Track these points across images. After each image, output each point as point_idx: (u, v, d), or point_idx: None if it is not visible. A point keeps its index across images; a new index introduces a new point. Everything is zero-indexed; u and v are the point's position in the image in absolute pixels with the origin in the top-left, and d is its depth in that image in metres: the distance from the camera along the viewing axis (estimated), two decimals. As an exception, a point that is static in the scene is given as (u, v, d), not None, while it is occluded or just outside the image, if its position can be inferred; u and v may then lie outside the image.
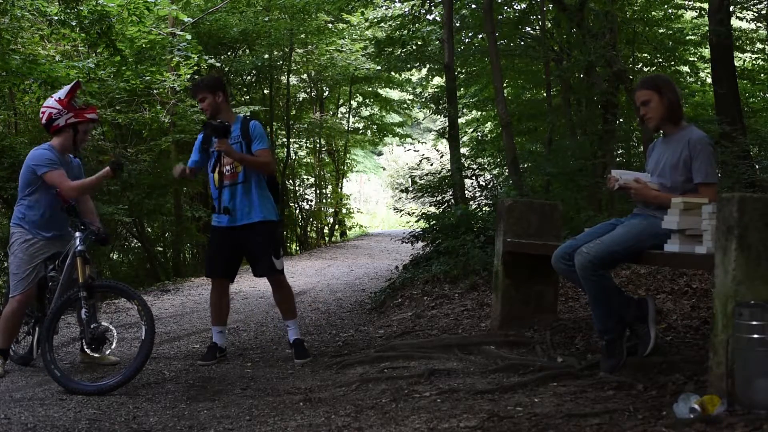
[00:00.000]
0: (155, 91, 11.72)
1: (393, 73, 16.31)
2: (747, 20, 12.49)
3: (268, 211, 4.73)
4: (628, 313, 3.75)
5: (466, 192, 9.53)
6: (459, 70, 12.94)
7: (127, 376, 4.11)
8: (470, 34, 13.89)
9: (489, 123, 16.15)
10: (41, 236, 4.54)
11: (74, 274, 4.39)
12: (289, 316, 4.88)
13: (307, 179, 20.79)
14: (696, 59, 13.36)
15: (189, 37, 11.11)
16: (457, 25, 12.83)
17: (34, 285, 4.56)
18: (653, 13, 12.65)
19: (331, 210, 21.00)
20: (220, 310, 4.91)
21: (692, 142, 3.63)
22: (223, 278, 4.89)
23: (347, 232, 21.74)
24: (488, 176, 10.44)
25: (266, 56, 14.99)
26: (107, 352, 4.67)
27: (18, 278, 4.52)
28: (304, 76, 18.89)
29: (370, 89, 20.31)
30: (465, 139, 15.48)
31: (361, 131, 22.26)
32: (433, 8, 13.15)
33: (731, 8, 9.98)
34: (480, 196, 9.45)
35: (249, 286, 9.10)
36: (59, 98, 4.58)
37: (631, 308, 3.76)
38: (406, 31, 12.77)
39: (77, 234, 4.40)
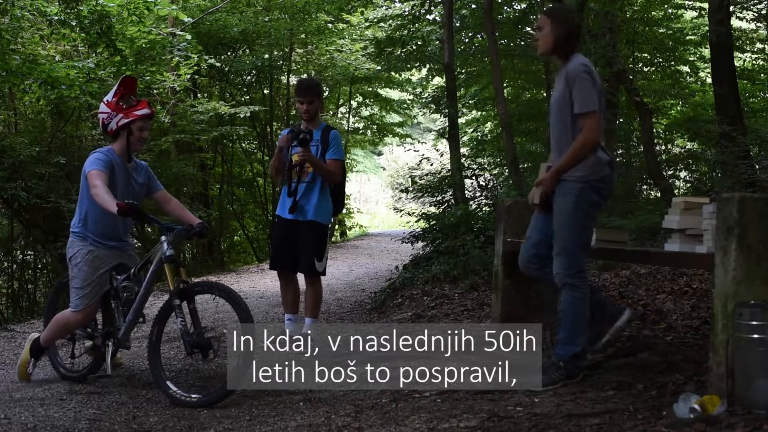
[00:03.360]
0: (155, 91, 11.72)
1: (393, 73, 16.29)
2: (747, 20, 12.46)
3: (322, 214, 4.89)
4: (599, 313, 3.76)
5: (466, 192, 9.52)
6: (459, 70, 12.92)
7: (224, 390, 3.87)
8: (470, 34, 13.88)
9: (489, 123, 16.12)
10: (103, 245, 4.26)
11: (154, 282, 4.15)
12: (311, 315, 4.99)
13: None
14: (696, 59, 13.33)
15: (189, 37, 11.10)
16: (457, 25, 12.82)
17: (97, 302, 4.27)
18: (653, 13, 12.63)
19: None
20: (286, 300, 5.07)
21: (569, 73, 3.46)
22: (283, 269, 5.02)
23: (347, 232, 21.73)
24: (488, 176, 10.44)
25: (266, 56, 14.97)
26: (210, 357, 4.09)
27: (82, 293, 4.20)
28: (304, 76, 18.87)
29: (370, 89, 20.27)
30: (465, 139, 15.44)
31: (361, 131, 22.23)
32: (433, 8, 13.15)
33: (731, 8, 9.97)
34: (480, 196, 9.45)
35: (249, 286, 9.09)
36: (107, 101, 4.33)
37: (604, 309, 3.77)
38: (406, 31, 12.77)
39: (163, 238, 4.09)
